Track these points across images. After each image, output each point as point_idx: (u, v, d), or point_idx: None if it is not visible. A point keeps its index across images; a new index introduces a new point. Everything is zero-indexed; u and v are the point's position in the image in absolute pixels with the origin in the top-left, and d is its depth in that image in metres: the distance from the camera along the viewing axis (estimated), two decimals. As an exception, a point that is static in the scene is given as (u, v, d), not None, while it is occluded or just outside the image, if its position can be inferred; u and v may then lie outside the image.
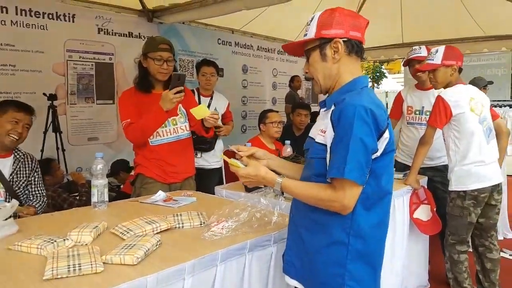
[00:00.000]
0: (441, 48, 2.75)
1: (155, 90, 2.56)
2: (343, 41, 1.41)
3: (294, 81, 6.89)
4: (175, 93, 2.29)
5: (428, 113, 3.06)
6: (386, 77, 21.23)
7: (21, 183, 2.35)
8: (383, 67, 20.49)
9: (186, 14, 4.86)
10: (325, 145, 1.39)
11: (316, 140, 1.44)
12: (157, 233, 1.60)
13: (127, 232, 1.56)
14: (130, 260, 1.31)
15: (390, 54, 7.17)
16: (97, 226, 1.59)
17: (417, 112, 3.18)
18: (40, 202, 2.42)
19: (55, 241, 1.43)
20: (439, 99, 2.63)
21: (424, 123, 3.09)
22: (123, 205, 2.20)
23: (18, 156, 2.38)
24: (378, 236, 1.45)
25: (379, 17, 6.47)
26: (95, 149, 4.82)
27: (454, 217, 2.66)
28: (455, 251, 2.65)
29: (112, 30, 4.88)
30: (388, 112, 3.35)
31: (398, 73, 22.03)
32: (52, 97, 4.25)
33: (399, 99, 3.33)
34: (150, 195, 2.34)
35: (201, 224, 1.74)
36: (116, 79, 4.96)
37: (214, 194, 2.61)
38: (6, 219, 1.58)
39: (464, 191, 2.59)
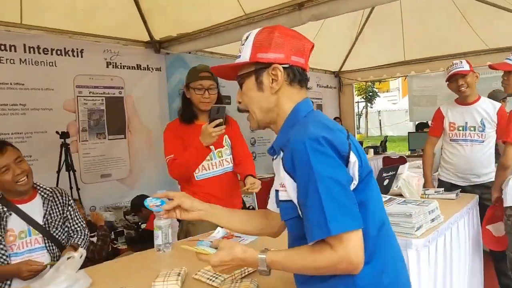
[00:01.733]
0: None
1: (199, 121, 2.44)
2: (283, 67, 1.18)
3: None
4: (214, 127, 2.14)
5: (472, 129, 2.98)
6: (378, 96, 21.43)
7: (57, 222, 2.16)
8: (374, 86, 20.71)
9: (195, 43, 4.79)
10: (291, 201, 1.12)
11: (280, 199, 1.16)
12: (245, 276, 1.46)
13: (216, 278, 1.42)
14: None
15: (392, 72, 7.19)
16: (179, 273, 1.44)
17: (461, 128, 3.10)
18: (82, 237, 2.24)
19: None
20: None
21: (468, 139, 3.02)
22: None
23: (45, 195, 2.18)
24: (392, 271, 1.16)
25: (380, 37, 6.54)
26: (108, 186, 4.68)
27: None
28: None
29: (121, 64, 4.78)
30: (429, 130, 3.32)
31: (387, 91, 22.36)
32: (64, 135, 4.09)
33: (439, 116, 3.24)
34: (201, 232, 2.20)
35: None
36: (127, 113, 4.83)
37: None
38: (77, 271, 1.42)
39: None
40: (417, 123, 7.56)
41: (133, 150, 4.86)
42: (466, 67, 3.02)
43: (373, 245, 1.11)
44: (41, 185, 2.21)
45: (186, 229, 2.39)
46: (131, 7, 4.39)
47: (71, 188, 4.11)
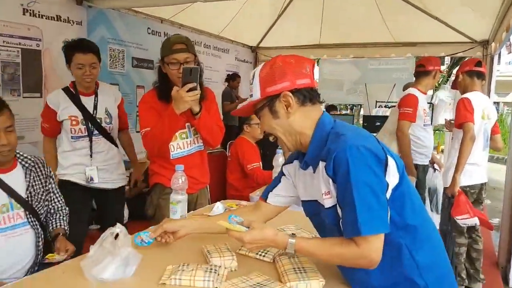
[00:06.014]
0: None
1: None
2: (291, 92, 1.29)
3: (234, 80, 6.88)
4: (187, 91, 1.98)
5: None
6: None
7: (39, 196, 1.93)
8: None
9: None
10: (337, 205, 1.24)
11: (327, 206, 1.25)
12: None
13: (266, 253, 1.43)
14: (316, 285, 1.24)
15: (306, 54, 7.44)
16: (229, 248, 1.42)
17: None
18: (65, 217, 2.05)
19: (214, 270, 1.24)
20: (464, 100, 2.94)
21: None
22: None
23: (27, 165, 1.92)
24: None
25: (301, 18, 6.74)
26: (21, 150, 4.13)
27: None
28: (456, 244, 2.99)
29: (39, 12, 4.21)
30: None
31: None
32: (-25, 90, 3.52)
33: (417, 102, 3.42)
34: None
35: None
36: (44, 69, 4.30)
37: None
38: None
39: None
40: (328, 104, 8.06)
41: (49, 111, 4.37)
42: None
43: (427, 230, 1.28)
44: (21, 153, 1.93)
45: (156, 203, 2.29)
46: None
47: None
